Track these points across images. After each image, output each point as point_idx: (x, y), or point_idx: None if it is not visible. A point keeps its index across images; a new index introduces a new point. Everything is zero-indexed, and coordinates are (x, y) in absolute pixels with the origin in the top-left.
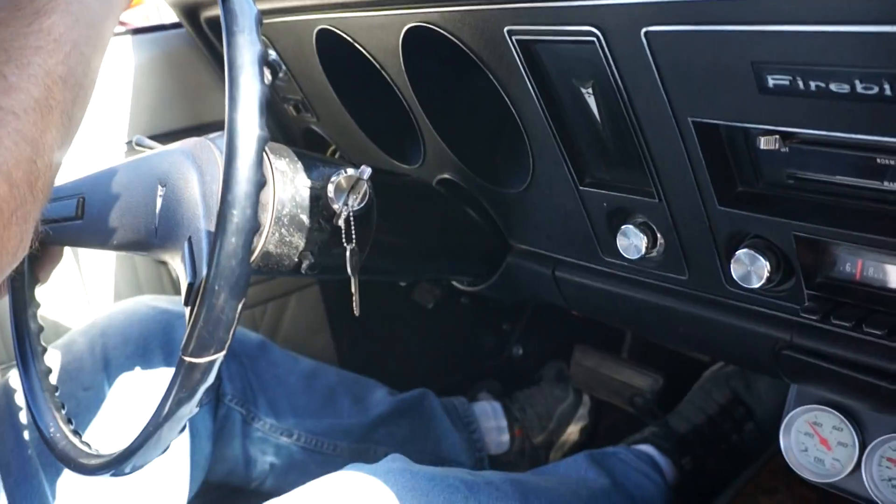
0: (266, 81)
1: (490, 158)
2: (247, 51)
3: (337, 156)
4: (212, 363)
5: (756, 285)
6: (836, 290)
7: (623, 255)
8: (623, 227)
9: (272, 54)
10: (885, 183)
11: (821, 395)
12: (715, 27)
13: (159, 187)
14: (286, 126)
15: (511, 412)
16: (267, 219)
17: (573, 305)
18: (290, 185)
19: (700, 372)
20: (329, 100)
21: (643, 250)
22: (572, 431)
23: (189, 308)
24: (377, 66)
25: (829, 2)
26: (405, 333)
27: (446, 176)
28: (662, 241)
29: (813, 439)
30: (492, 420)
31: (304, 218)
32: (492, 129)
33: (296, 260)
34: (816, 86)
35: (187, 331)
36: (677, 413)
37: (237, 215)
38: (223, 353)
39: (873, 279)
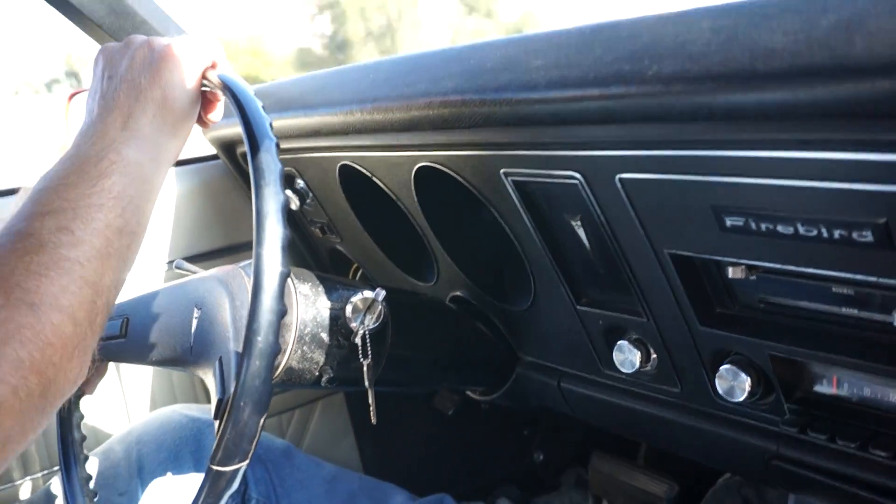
0: (295, 207)
1: (497, 278)
2: (272, 201)
3: (360, 274)
4: (236, 471)
5: (740, 399)
6: (815, 403)
7: (620, 369)
8: (619, 342)
9: (300, 183)
10: (843, 309)
11: (818, 503)
12: (679, 176)
13: (195, 310)
14: (313, 246)
15: None
16: (290, 337)
17: (579, 414)
18: (311, 307)
19: (715, 479)
20: (351, 224)
21: (637, 364)
22: None
23: (218, 421)
24: (393, 197)
25: (772, 161)
26: (426, 439)
27: (458, 293)
28: (655, 356)
29: None
30: None
31: (325, 336)
32: (498, 252)
33: (316, 374)
34: (766, 227)
35: (216, 442)
36: None
37: (261, 341)
38: (247, 462)
39: (848, 394)
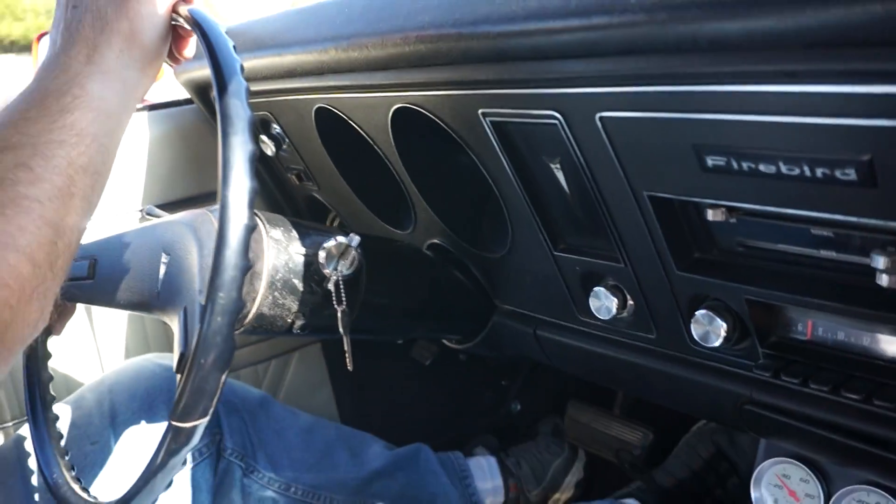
0: (270, 153)
1: (475, 225)
2: (239, 150)
3: (337, 221)
4: (195, 427)
5: (715, 344)
6: (789, 348)
7: (596, 316)
8: (595, 289)
9: (276, 128)
10: (821, 251)
11: (789, 448)
12: (660, 114)
13: (163, 255)
14: (289, 194)
15: (506, 467)
16: (261, 284)
17: (555, 362)
18: (283, 252)
19: (689, 427)
20: (328, 170)
21: (614, 311)
22: (567, 486)
23: (179, 376)
24: (370, 141)
25: (755, 96)
26: (404, 389)
27: (435, 241)
28: (632, 302)
29: (782, 491)
30: (487, 475)
31: (297, 282)
32: (476, 198)
33: (289, 321)
34: (748, 166)
35: (176, 397)
36: (663, 468)
37: (223, 297)
38: (207, 418)
39: (823, 338)
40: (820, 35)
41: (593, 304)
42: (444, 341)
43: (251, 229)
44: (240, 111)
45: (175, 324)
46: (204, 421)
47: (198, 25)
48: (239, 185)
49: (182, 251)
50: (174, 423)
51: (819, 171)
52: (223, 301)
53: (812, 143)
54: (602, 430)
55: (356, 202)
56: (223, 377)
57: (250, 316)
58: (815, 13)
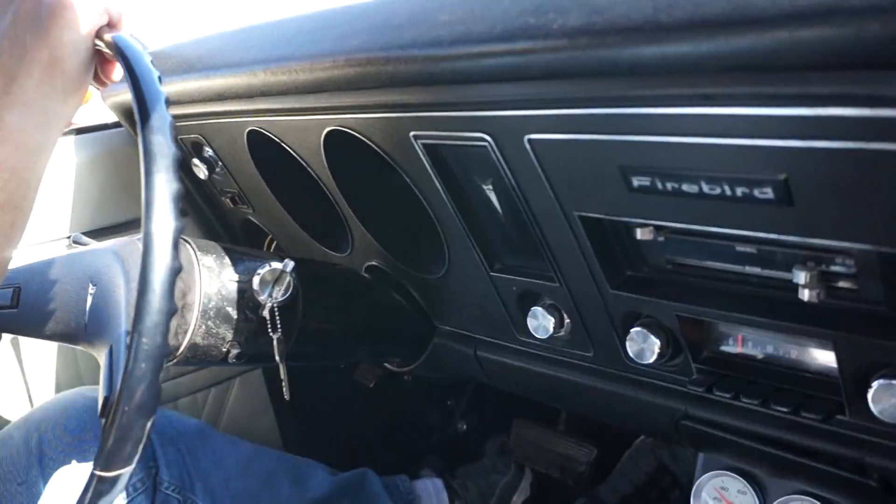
0: (203, 176)
1: (412, 246)
2: (163, 189)
3: (274, 245)
4: (119, 476)
5: (650, 361)
6: (721, 363)
7: (534, 335)
8: (532, 308)
9: (208, 151)
10: (747, 268)
11: (726, 460)
12: (586, 136)
13: (90, 286)
14: (225, 217)
15: (453, 488)
16: (193, 314)
17: (496, 383)
18: (216, 280)
19: (633, 441)
20: (263, 193)
21: (551, 330)
22: None
23: (103, 421)
24: (304, 164)
25: (676, 118)
26: (349, 413)
27: (373, 262)
28: (568, 321)
29: (721, 503)
30: (434, 498)
31: (231, 310)
32: (412, 219)
33: (223, 350)
34: (672, 186)
35: (99, 444)
36: (608, 484)
37: (147, 343)
38: (132, 466)
39: (753, 352)
40: (732, 60)
41: (531, 323)
42: (386, 364)
43: (176, 271)
44: (163, 148)
45: (102, 360)
46: (128, 469)
47: (121, 54)
48: (162, 226)
49: (109, 282)
50: (97, 472)
51: (739, 191)
52: (147, 347)
53: (731, 163)
54: (547, 447)
55: (292, 225)
56: (148, 423)
57: (183, 347)
58: (727, 39)
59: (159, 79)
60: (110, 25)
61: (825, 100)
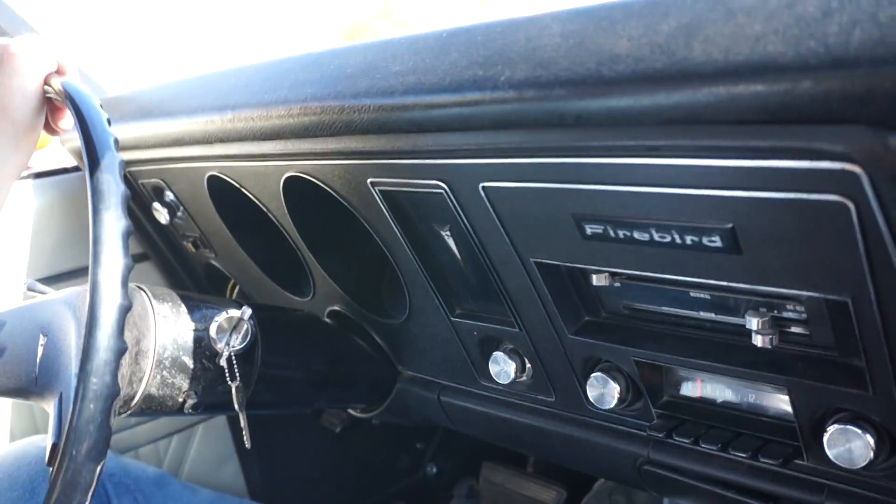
0: (164, 220)
1: (374, 291)
2: (111, 227)
3: (237, 290)
4: None
5: (611, 406)
6: (681, 407)
7: (496, 380)
8: (494, 353)
9: (169, 195)
10: (701, 313)
11: None
12: (539, 184)
13: (41, 336)
14: (187, 262)
15: None
16: (148, 363)
17: (459, 427)
18: (171, 328)
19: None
20: (224, 238)
21: (513, 375)
22: None
23: (50, 469)
24: (264, 209)
25: (625, 168)
26: (315, 459)
27: (336, 307)
28: (530, 366)
29: None
30: None
31: (187, 359)
32: (373, 264)
33: (180, 400)
34: (624, 234)
35: (47, 492)
36: None
37: (96, 383)
38: None
39: (712, 397)
40: (672, 114)
41: (493, 368)
42: (350, 410)
43: (125, 309)
44: (111, 186)
45: (51, 410)
46: None
47: (70, 99)
48: (111, 262)
49: (60, 332)
50: None
51: (688, 239)
52: (96, 387)
53: (679, 212)
54: (516, 490)
55: (254, 270)
56: (98, 468)
57: (137, 398)
58: (667, 94)
59: (108, 121)
60: (59, 73)
61: (764, 152)
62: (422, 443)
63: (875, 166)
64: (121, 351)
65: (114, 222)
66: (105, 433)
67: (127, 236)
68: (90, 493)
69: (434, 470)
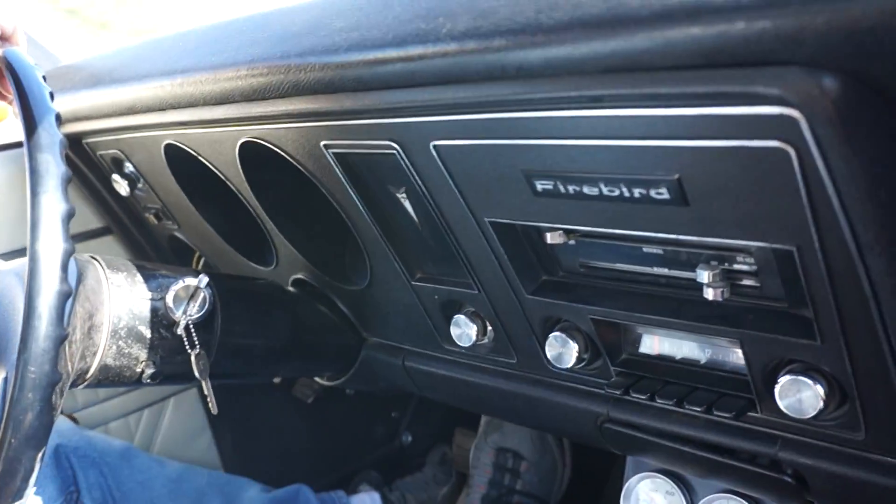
0: (125, 192)
1: (336, 257)
2: (50, 209)
3: (202, 261)
4: None
5: (569, 365)
6: (639, 365)
7: (458, 343)
8: (455, 316)
9: (129, 167)
10: (655, 269)
11: (653, 463)
12: (488, 141)
13: None
14: (151, 234)
15: (391, 502)
16: (102, 334)
17: (424, 392)
18: (126, 298)
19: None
20: (186, 208)
21: (474, 338)
22: None
23: None
24: (222, 177)
25: (569, 121)
26: (289, 430)
27: (299, 276)
28: (491, 328)
29: None
30: None
31: (143, 329)
32: (334, 230)
33: (137, 370)
34: (574, 189)
35: None
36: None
37: (34, 371)
38: (22, 500)
39: (670, 353)
40: (611, 61)
41: (454, 331)
42: (317, 379)
43: (65, 295)
44: (50, 167)
45: None
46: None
47: (10, 69)
48: (49, 247)
49: (10, 307)
50: None
51: (636, 192)
52: (34, 375)
53: (626, 164)
54: None
55: (217, 240)
56: (39, 454)
57: (93, 369)
58: (604, 41)
59: (51, 95)
60: (3, 38)
61: (703, 99)
62: (397, 412)
63: (812, 109)
64: (60, 338)
65: (53, 205)
66: (45, 420)
67: (67, 220)
68: (31, 479)
69: (409, 438)
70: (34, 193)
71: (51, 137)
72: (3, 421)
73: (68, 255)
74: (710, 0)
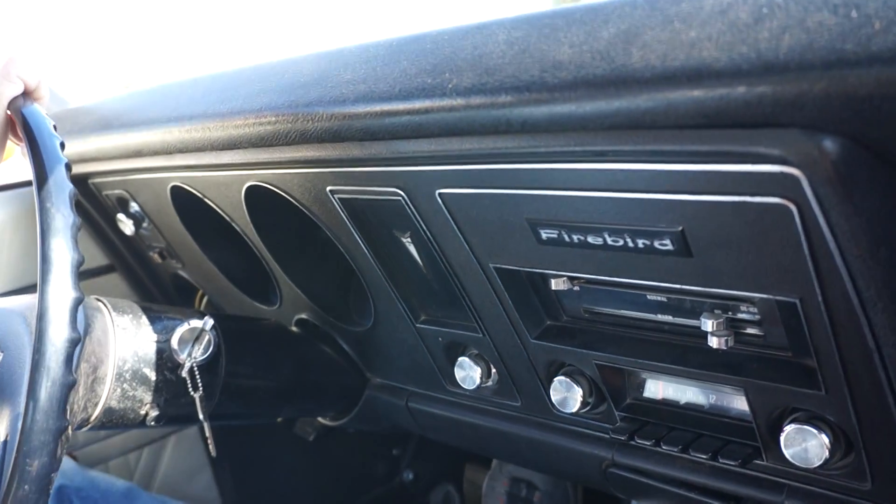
0: (130, 232)
1: (340, 298)
2: (63, 258)
3: (205, 300)
4: None
5: (574, 409)
6: (644, 410)
7: (462, 386)
8: (460, 359)
9: (134, 206)
10: (659, 315)
11: None
12: (494, 190)
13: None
14: (154, 272)
15: None
16: (108, 376)
17: (427, 433)
18: (132, 340)
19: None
20: (190, 248)
21: (478, 381)
22: None
23: None
24: (227, 219)
25: (574, 173)
26: (289, 468)
27: (303, 316)
28: (495, 371)
29: None
30: None
31: (148, 371)
32: (338, 271)
33: (142, 413)
34: (578, 238)
35: None
36: None
37: (31, 465)
38: None
39: (674, 399)
40: (614, 119)
41: (458, 374)
42: (320, 419)
43: (74, 343)
44: (61, 216)
45: (1, 433)
46: None
47: (25, 123)
48: (59, 296)
49: (17, 350)
50: None
51: (640, 242)
52: (31, 469)
53: (630, 215)
54: None
55: (221, 279)
56: (45, 500)
57: (97, 412)
58: (608, 100)
59: (62, 145)
60: (27, 93)
61: (706, 156)
62: (398, 449)
63: (812, 169)
64: (68, 385)
65: (63, 254)
66: (51, 466)
67: (77, 268)
68: None
69: (410, 476)
70: (44, 242)
71: (60, 187)
72: (11, 468)
73: (78, 303)
74: (711, 65)
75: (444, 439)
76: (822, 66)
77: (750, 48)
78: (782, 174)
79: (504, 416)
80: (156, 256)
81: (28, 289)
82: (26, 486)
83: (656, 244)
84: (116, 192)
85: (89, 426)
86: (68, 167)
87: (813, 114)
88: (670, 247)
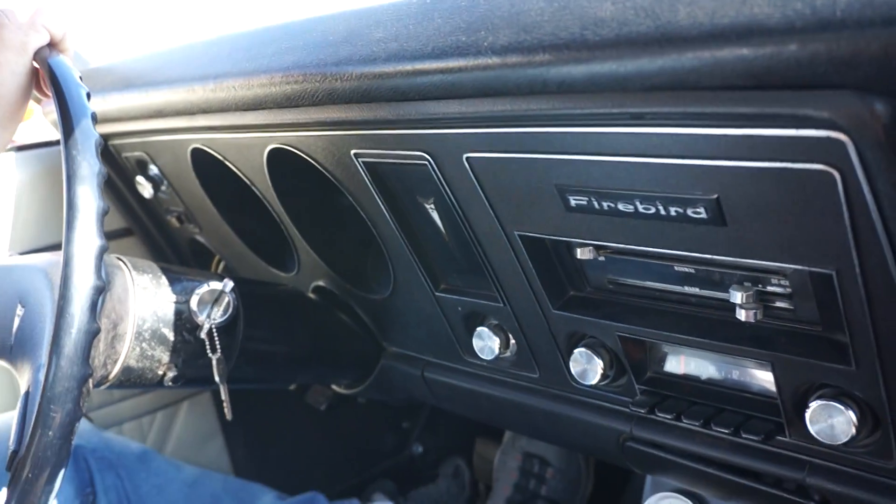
0: (148, 195)
1: (358, 266)
2: (89, 206)
3: (221, 265)
4: None
5: (594, 382)
6: (665, 384)
7: (480, 356)
8: (478, 329)
9: (153, 169)
10: (686, 288)
11: (673, 482)
12: (523, 155)
13: (19, 307)
14: (172, 236)
15: None
16: (127, 334)
17: (442, 404)
18: (151, 300)
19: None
20: (209, 212)
21: (497, 351)
22: None
23: (10, 476)
24: (248, 182)
25: (608, 137)
26: (300, 437)
27: (320, 283)
28: (514, 342)
29: None
30: None
31: (167, 332)
32: (358, 238)
33: (159, 373)
34: (608, 205)
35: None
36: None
37: (56, 411)
38: (53, 492)
39: (696, 373)
40: (657, 79)
41: (476, 344)
42: (333, 386)
43: (99, 290)
44: (87, 164)
45: (22, 386)
46: None
47: (50, 73)
48: (86, 242)
49: (37, 305)
50: None
51: (672, 210)
52: (55, 415)
53: (664, 182)
54: None
55: (239, 244)
56: (55, 486)
57: (115, 370)
58: (651, 59)
59: (88, 95)
60: (52, 44)
61: (749, 120)
62: (407, 422)
63: (861, 133)
64: (93, 333)
65: (89, 201)
66: (63, 456)
67: (102, 217)
68: (61, 474)
69: (420, 449)
70: (70, 189)
71: (87, 136)
72: (25, 456)
73: (103, 251)
74: (763, 21)
75: (459, 410)
76: (883, 22)
77: (805, 4)
78: (828, 139)
79: (521, 388)
80: (174, 220)
81: (45, 248)
82: (50, 433)
83: (689, 212)
84: (136, 154)
85: (108, 384)
86: (94, 117)
87: (868, 74)
88: (704, 215)
